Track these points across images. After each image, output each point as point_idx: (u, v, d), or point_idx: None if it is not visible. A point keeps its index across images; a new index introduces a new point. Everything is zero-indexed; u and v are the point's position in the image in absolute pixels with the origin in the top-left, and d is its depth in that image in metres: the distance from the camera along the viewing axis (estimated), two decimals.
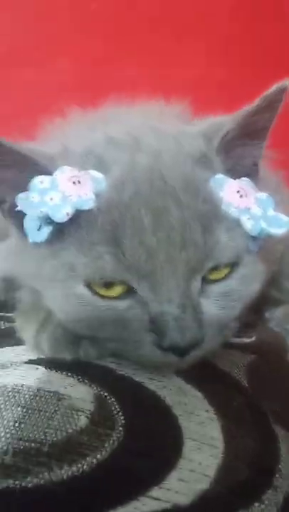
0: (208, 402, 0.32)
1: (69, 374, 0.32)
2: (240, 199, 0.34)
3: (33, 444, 0.27)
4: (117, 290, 0.33)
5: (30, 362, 0.34)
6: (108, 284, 0.33)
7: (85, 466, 0.27)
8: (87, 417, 0.29)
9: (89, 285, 0.33)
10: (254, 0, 0.93)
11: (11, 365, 0.33)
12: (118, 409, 0.30)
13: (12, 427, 0.28)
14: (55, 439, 0.28)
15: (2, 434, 0.27)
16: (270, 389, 0.36)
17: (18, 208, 0.32)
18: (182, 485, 0.27)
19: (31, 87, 0.85)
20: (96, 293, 0.33)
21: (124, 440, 0.28)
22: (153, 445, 0.29)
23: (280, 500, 0.28)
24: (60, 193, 0.32)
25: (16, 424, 0.28)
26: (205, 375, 0.34)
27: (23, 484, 0.25)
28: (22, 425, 0.28)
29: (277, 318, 0.48)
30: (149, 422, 0.30)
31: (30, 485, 0.25)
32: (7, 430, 0.28)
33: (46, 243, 0.33)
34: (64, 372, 0.32)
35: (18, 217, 0.33)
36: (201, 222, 0.33)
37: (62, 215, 0.32)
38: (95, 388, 0.31)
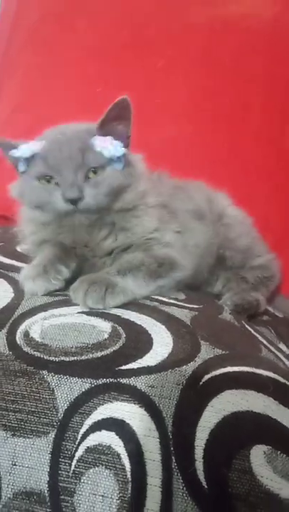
0: (167, 328, 0.65)
1: (97, 317, 0.66)
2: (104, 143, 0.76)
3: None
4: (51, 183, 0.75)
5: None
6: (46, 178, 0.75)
7: (108, 352, 0.60)
8: (108, 333, 0.62)
9: (38, 179, 0.75)
10: None
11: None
12: (122, 332, 0.63)
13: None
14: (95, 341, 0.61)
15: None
16: (203, 326, 0.69)
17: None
18: (153, 358, 0.60)
19: None
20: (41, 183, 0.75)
21: (125, 344, 0.61)
22: (139, 346, 0.62)
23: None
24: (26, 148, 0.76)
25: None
26: (165, 318, 0.67)
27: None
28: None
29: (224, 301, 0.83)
30: (137, 337, 0.63)
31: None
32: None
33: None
34: (97, 317, 0.66)
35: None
36: (80, 150, 0.74)
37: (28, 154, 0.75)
38: (111, 323, 0.65)
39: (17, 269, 0.79)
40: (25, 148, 0.76)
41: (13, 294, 0.71)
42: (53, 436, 0.52)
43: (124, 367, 0.57)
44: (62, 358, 0.58)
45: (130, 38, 1.19)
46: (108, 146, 0.76)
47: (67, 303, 0.68)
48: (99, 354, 0.58)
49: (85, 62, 1.19)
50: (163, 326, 0.65)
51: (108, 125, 0.78)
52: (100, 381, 0.55)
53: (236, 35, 1.17)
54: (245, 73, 1.17)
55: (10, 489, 0.50)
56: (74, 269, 0.75)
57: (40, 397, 0.54)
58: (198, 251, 0.87)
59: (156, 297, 0.74)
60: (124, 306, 0.69)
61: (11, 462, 0.51)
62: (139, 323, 0.65)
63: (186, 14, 1.19)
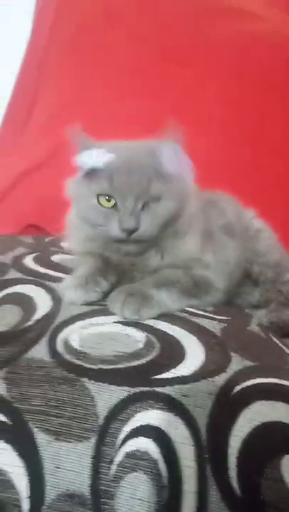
0: (198, 340, 0.68)
1: (132, 327, 0.69)
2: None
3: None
4: (110, 203, 0.75)
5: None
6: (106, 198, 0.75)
7: (144, 361, 0.63)
8: (143, 343, 0.65)
9: (98, 196, 0.75)
10: None
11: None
12: (156, 342, 0.66)
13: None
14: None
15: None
16: (232, 337, 0.72)
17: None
18: (186, 368, 0.63)
19: None
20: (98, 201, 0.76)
21: (159, 354, 0.64)
22: (173, 357, 0.65)
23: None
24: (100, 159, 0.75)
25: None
26: (196, 329, 0.70)
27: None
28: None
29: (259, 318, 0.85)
30: (170, 347, 0.66)
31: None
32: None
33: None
34: (132, 327, 0.69)
35: None
36: (148, 178, 0.74)
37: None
38: (145, 333, 0.68)
39: (53, 279, 0.82)
40: (99, 158, 0.75)
41: (51, 303, 0.74)
42: (94, 441, 0.55)
43: (159, 376, 0.60)
44: (101, 366, 0.61)
45: (164, 50, 1.21)
46: (175, 158, 0.78)
47: (104, 312, 0.72)
48: (135, 363, 0.61)
49: (121, 74, 1.22)
50: (194, 337, 0.68)
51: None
52: (137, 389, 0.58)
53: (264, 50, 1.20)
54: (271, 87, 1.20)
55: (54, 491, 0.53)
56: (113, 282, 0.78)
57: (81, 403, 0.57)
58: (229, 268, 0.89)
59: (187, 309, 0.77)
60: (157, 316, 0.72)
61: (54, 465, 0.54)
62: (171, 333, 0.68)
63: (217, 29, 1.22)
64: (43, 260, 0.92)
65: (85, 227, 0.82)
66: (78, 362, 0.62)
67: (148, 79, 1.23)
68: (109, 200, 0.76)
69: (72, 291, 0.76)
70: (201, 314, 0.76)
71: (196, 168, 1.16)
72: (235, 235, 0.96)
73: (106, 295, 0.76)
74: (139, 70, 1.23)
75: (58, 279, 0.83)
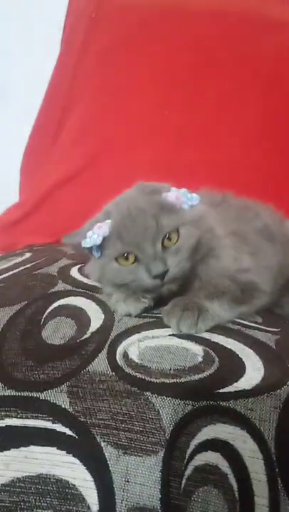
0: (255, 353, 0.68)
1: (188, 340, 0.69)
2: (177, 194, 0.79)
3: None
4: (130, 259, 0.75)
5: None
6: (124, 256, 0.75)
7: (205, 375, 0.63)
8: (202, 357, 0.66)
9: (116, 259, 0.75)
10: None
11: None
12: (214, 356, 0.66)
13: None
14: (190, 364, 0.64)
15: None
16: (287, 350, 0.72)
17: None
18: (248, 382, 0.63)
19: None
20: (119, 263, 0.76)
21: (219, 367, 0.64)
22: (233, 370, 0.65)
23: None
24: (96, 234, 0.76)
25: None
26: (251, 342, 0.71)
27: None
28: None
29: None
30: (229, 361, 0.66)
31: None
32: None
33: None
34: (188, 340, 0.69)
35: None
36: (154, 217, 0.74)
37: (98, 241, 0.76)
38: (202, 346, 0.68)
39: (101, 291, 0.83)
40: (95, 236, 0.76)
41: (103, 315, 0.75)
42: (162, 455, 0.55)
43: (222, 390, 0.60)
44: (163, 380, 0.61)
45: (200, 62, 1.22)
46: (182, 197, 0.79)
47: (158, 324, 0.72)
48: (196, 377, 0.62)
49: (155, 86, 1.23)
50: (251, 350, 0.68)
51: None
52: (201, 403, 0.59)
53: None
54: None
55: (124, 505, 0.54)
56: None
57: (146, 417, 0.58)
58: (272, 272, 0.90)
59: (237, 320, 0.77)
60: (211, 329, 0.72)
61: (124, 479, 0.55)
62: (228, 347, 0.68)
63: (256, 41, 1.23)
64: None
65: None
66: (140, 375, 0.62)
67: (183, 91, 1.24)
68: (127, 258, 0.76)
69: (122, 304, 0.77)
70: (253, 326, 0.76)
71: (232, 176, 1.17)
72: (276, 241, 0.96)
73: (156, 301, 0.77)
74: (173, 82, 1.24)
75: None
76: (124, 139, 1.24)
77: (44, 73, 1.55)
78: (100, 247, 0.78)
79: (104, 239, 0.76)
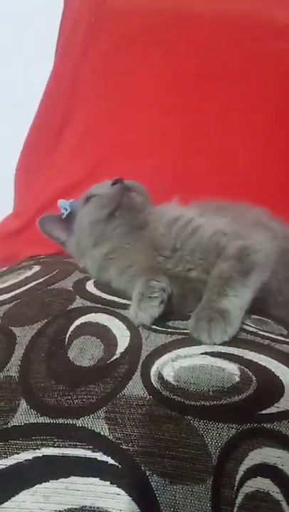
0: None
1: (222, 358, 0.67)
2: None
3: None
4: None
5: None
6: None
7: (245, 396, 0.61)
8: (239, 376, 0.64)
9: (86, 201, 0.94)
10: None
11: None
12: (251, 375, 0.65)
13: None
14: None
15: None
16: None
17: None
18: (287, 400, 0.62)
19: None
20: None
21: (258, 387, 0.63)
22: (272, 390, 0.63)
23: None
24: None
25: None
26: (285, 358, 0.69)
27: None
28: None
29: None
30: (267, 380, 0.65)
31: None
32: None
33: None
34: (222, 359, 0.67)
35: None
36: None
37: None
38: (237, 365, 0.66)
39: (120, 305, 0.81)
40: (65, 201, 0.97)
41: (128, 332, 0.73)
42: (211, 482, 0.54)
43: (264, 411, 0.59)
44: (203, 403, 0.60)
45: (205, 66, 1.21)
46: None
47: (187, 342, 0.70)
48: (236, 398, 0.60)
49: (157, 92, 1.21)
50: (286, 367, 0.67)
51: None
52: (245, 426, 0.57)
53: None
54: None
55: None
56: (167, 282, 0.79)
57: (191, 443, 0.56)
58: (269, 240, 0.89)
59: (266, 334, 0.76)
60: (241, 344, 0.71)
61: (172, 509, 0.53)
62: (263, 364, 0.67)
63: (260, 44, 1.22)
64: (104, 286, 0.90)
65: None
66: (178, 398, 0.60)
67: (188, 97, 1.22)
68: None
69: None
70: (282, 340, 0.75)
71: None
72: (271, 232, 0.95)
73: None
74: (178, 87, 1.23)
75: (124, 306, 0.81)
76: (127, 146, 1.22)
77: (38, 79, 1.52)
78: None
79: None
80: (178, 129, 1.19)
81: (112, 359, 0.67)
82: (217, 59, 1.21)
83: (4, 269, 1.07)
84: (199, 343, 0.70)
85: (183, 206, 0.93)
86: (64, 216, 0.98)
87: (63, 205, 0.98)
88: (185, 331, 0.74)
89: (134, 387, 0.62)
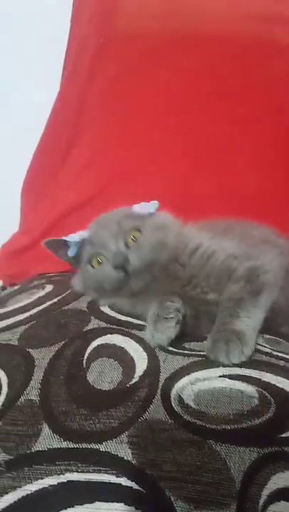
0: None
1: (240, 381, 0.68)
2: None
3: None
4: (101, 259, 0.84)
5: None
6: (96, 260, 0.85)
7: (265, 419, 0.62)
8: (257, 399, 0.65)
9: (90, 263, 0.86)
10: None
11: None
12: (269, 397, 0.66)
13: None
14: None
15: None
16: None
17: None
18: None
19: None
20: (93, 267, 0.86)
21: (277, 410, 0.64)
22: None
23: None
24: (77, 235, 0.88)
25: None
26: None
27: None
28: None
29: None
30: (286, 402, 0.66)
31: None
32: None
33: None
34: (240, 381, 0.68)
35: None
36: (117, 222, 0.86)
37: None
38: (256, 387, 0.67)
39: (136, 326, 0.82)
40: (76, 236, 0.88)
41: (145, 354, 0.74)
42: (235, 507, 0.54)
43: (284, 434, 0.60)
44: (224, 427, 0.60)
45: (212, 87, 1.22)
46: (145, 206, 0.90)
47: (205, 364, 0.71)
48: (257, 421, 0.61)
49: (167, 113, 1.23)
50: None
51: None
52: (266, 450, 0.58)
53: None
54: None
55: None
56: (181, 302, 0.80)
57: (214, 467, 0.57)
58: (278, 259, 0.90)
59: (280, 354, 0.77)
60: (258, 366, 0.71)
61: None
62: (280, 386, 0.68)
63: (266, 64, 1.24)
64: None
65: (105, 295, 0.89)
66: (199, 422, 0.61)
67: (194, 118, 1.24)
68: (98, 261, 0.85)
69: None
70: None
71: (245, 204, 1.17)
72: (279, 249, 0.96)
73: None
74: (184, 108, 1.24)
75: (139, 327, 0.82)
76: (134, 167, 1.23)
77: (44, 97, 1.54)
78: (78, 253, 0.89)
79: (82, 242, 0.87)
80: (185, 150, 1.21)
81: (132, 382, 0.68)
82: (224, 80, 1.23)
83: (16, 287, 1.08)
84: (216, 365, 0.71)
85: (190, 226, 0.94)
86: (69, 256, 0.91)
87: (71, 242, 0.89)
88: (201, 353, 0.75)
89: (156, 411, 0.63)
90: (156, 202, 0.91)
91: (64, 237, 0.89)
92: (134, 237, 0.85)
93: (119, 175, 1.25)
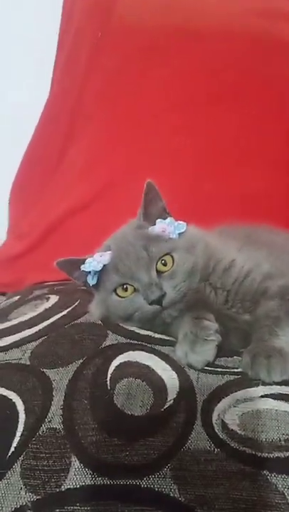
0: None
1: (284, 401, 0.63)
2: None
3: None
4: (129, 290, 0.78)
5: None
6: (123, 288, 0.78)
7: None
8: None
9: (115, 292, 0.78)
10: None
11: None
12: None
13: None
14: None
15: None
16: None
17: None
18: None
19: None
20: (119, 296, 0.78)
21: None
22: None
23: None
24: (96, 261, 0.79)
25: None
26: None
27: None
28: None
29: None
30: None
31: None
32: None
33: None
34: (285, 402, 0.62)
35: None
36: (144, 247, 0.78)
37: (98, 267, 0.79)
38: None
39: (157, 341, 0.76)
40: (95, 262, 0.79)
41: (174, 373, 0.68)
42: None
43: None
44: (277, 455, 0.55)
45: (216, 85, 1.17)
46: (169, 228, 0.82)
47: (243, 383, 0.65)
48: None
49: (169, 112, 1.17)
50: None
51: (149, 212, 0.83)
52: None
53: None
54: None
55: None
56: (214, 319, 0.75)
57: (272, 502, 0.51)
58: None
59: None
60: None
61: None
62: None
63: (270, 61, 1.19)
64: None
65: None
66: (249, 450, 0.55)
67: (199, 117, 1.18)
68: (126, 289, 0.78)
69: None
70: None
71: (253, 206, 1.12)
72: None
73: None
74: (188, 108, 1.18)
75: (161, 342, 0.76)
76: (134, 169, 1.16)
77: (18, 97, 1.46)
78: (99, 280, 0.81)
79: (102, 269, 0.79)
80: (188, 151, 1.15)
81: (166, 406, 0.61)
82: (228, 78, 1.18)
83: (16, 298, 1.00)
84: (256, 383, 0.65)
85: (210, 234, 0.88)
86: (90, 284, 0.84)
87: (90, 267, 0.81)
88: (235, 370, 0.69)
89: (198, 439, 0.56)
90: (184, 223, 0.84)
91: (79, 261, 0.81)
92: (164, 261, 0.79)
93: (119, 176, 1.19)
